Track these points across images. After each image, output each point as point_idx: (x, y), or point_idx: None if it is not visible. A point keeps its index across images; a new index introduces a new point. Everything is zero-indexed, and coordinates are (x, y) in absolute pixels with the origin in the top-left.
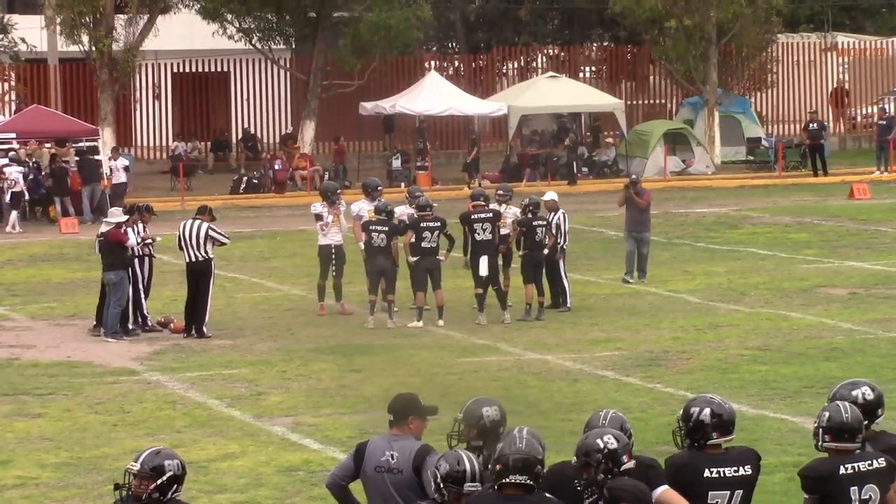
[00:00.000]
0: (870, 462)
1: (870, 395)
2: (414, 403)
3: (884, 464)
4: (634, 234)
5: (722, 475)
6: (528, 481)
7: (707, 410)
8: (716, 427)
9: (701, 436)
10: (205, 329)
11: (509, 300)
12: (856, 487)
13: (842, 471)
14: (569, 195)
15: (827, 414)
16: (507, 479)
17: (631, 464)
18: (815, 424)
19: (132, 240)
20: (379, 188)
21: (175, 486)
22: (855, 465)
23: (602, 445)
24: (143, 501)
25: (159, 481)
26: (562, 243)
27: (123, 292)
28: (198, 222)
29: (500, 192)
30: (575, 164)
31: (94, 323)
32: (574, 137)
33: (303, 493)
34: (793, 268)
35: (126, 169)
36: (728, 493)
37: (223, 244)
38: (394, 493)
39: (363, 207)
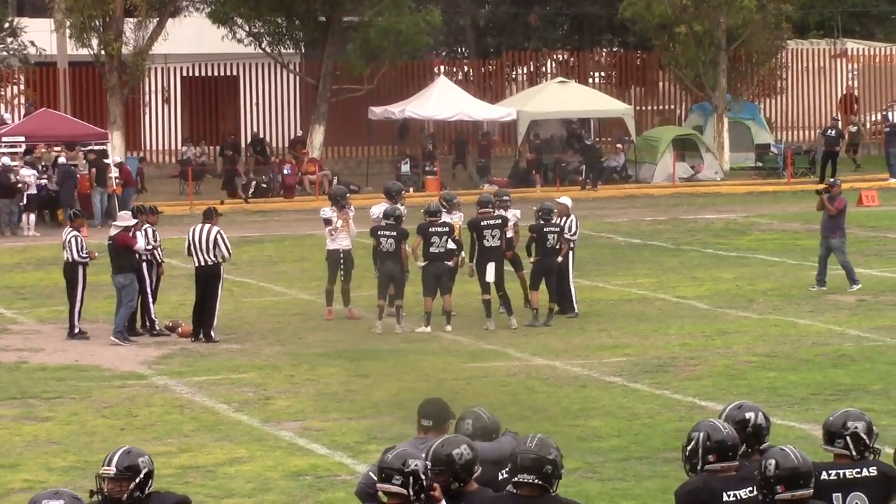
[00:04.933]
0: (858, 470)
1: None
2: (448, 409)
3: (874, 473)
4: (823, 238)
5: (738, 498)
6: (537, 481)
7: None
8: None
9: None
10: (213, 333)
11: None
12: (840, 494)
13: (823, 476)
14: (577, 200)
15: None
16: (517, 479)
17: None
18: None
19: (140, 244)
20: (402, 192)
21: (149, 481)
22: (841, 471)
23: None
24: (124, 503)
25: (138, 479)
26: (572, 244)
27: (134, 295)
28: (207, 226)
29: (505, 197)
30: (585, 169)
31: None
32: (589, 145)
33: (310, 498)
34: (801, 274)
35: None
36: None
37: (225, 258)
38: None
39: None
